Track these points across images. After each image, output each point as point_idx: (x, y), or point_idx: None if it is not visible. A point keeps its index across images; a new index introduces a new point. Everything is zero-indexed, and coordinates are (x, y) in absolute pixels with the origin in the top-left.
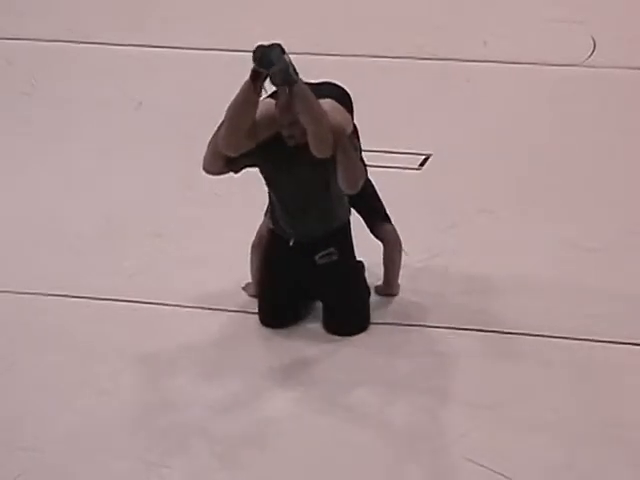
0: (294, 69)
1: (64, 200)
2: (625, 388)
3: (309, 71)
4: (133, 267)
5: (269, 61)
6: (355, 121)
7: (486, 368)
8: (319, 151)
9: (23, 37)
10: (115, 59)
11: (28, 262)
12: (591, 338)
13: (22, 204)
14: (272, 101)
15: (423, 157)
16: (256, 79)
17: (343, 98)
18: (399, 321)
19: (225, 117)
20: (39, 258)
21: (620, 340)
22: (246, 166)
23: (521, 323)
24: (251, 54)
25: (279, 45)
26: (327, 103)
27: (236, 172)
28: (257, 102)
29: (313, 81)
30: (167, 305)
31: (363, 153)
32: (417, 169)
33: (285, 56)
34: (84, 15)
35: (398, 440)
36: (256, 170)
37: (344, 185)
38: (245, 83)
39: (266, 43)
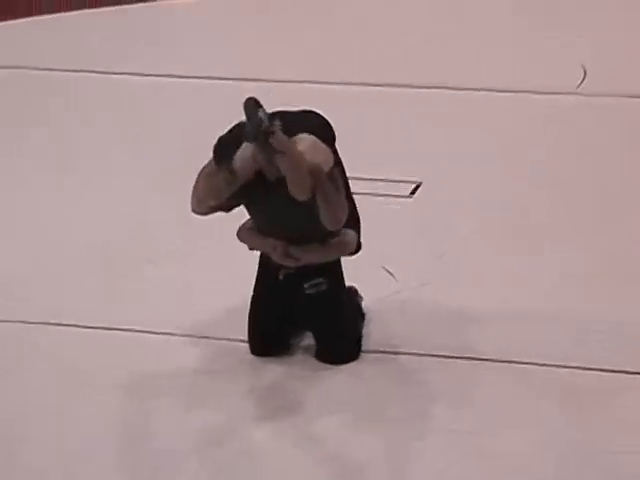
0: (268, 119)
1: (57, 226)
2: (615, 416)
3: (295, 99)
4: (125, 294)
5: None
6: (340, 151)
7: (477, 396)
8: (297, 195)
9: (22, 66)
10: (114, 87)
11: (18, 288)
12: (580, 366)
13: (16, 230)
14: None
15: (414, 185)
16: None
17: (324, 129)
18: (388, 349)
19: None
20: (28, 285)
21: (610, 368)
22: (233, 206)
23: (513, 351)
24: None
25: (252, 99)
26: (307, 140)
27: (226, 212)
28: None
29: (294, 109)
30: (158, 333)
31: (353, 181)
32: (408, 197)
33: (260, 111)
34: (83, 44)
35: (389, 470)
36: None
37: (326, 223)
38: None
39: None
